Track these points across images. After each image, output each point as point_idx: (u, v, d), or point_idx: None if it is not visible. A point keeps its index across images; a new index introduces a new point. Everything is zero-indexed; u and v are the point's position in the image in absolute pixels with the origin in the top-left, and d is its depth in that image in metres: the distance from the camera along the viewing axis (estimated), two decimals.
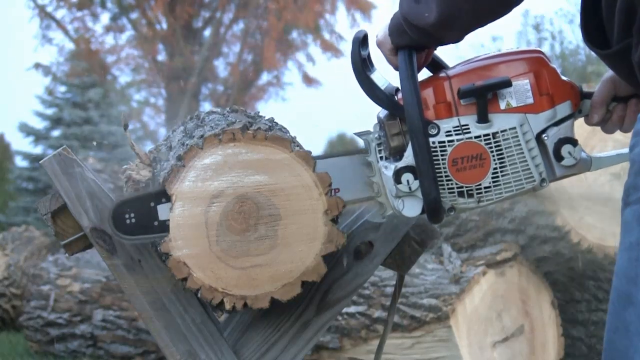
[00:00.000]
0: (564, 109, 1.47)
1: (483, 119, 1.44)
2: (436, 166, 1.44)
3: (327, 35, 16.02)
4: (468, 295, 3.28)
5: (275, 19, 15.13)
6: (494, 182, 1.46)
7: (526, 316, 3.43)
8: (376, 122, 1.55)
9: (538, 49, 1.52)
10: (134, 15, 16.06)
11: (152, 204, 1.49)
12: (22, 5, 16.05)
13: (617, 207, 1.29)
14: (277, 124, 1.69)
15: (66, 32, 15.98)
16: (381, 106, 1.51)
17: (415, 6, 1.41)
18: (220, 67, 16.50)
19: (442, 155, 1.44)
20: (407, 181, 1.45)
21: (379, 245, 1.73)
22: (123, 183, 1.78)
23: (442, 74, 1.48)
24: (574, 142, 1.47)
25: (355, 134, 1.57)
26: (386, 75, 1.54)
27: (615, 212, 1.30)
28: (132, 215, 1.49)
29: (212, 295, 1.48)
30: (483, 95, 1.43)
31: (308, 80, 16.17)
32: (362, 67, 1.48)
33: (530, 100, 1.45)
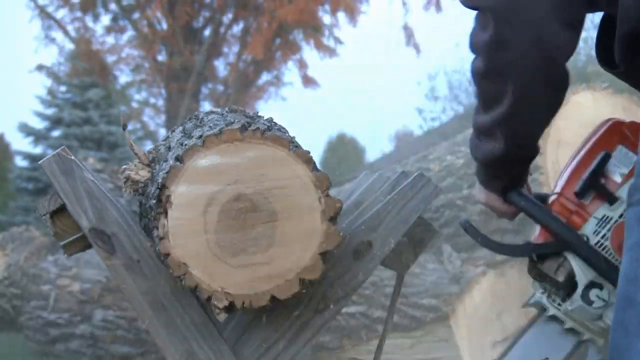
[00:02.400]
0: None
1: (612, 199, 1.43)
2: (609, 258, 1.43)
3: (324, 36, 16.00)
4: (468, 295, 3.28)
5: (269, 16, 15.12)
6: None
7: (526, 316, 3.43)
8: (532, 281, 1.57)
9: (609, 118, 1.51)
10: (135, 16, 16.06)
11: None
12: (22, 6, 16.07)
13: None
14: (276, 124, 1.69)
15: (66, 32, 15.99)
16: (531, 254, 1.51)
17: (485, 145, 1.41)
18: (220, 67, 16.51)
19: (605, 247, 1.43)
20: (597, 296, 1.44)
21: (378, 245, 1.72)
22: (122, 183, 1.78)
23: (552, 197, 1.49)
24: None
25: (523, 307, 1.63)
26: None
27: None
28: None
29: (211, 294, 1.48)
30: (596, 182, 1.43)
31: (307, 80, 16.16)
32: (489, 240, 1.49)
33: (634, 158, 1.45)
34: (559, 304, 1.53)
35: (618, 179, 1.44)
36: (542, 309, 1.56)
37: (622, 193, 1.43)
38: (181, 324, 1.63)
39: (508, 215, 1.51)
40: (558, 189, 1.48)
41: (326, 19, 16.05)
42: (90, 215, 1.63)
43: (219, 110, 1.81)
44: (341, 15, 15.93)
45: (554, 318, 1.54)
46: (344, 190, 2.68)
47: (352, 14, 15.92)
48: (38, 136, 13.77)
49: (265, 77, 16.61)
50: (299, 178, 1.50)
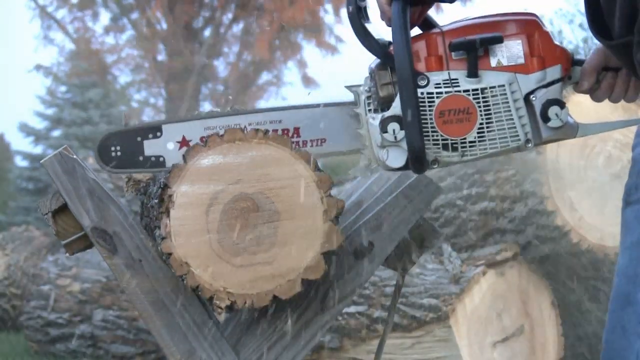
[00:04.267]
0: (554, 72, 1.48)
1: (473, 73, 1.45)
2: (422, 117, 1.44)
3: (325, 35, 16.00)
4: (468, 295, 3.28)
5: (270, 17, 15.13)
6: (479, 137, 1.47)
7: (526, 316, 3.43)
8: (367, 75, 1.55)
9: (533, 12, 1.54)
10: (134, 15, 16.06)
11: (139, 139, 1.52)
12: (22, 6, 16.07)
13: (618, 207, 1.30)
14: None
15: (66, 32, 15.99)
16: (373, 54, 1.51)
17: None
18: (220, 67, 16.51)
19: (429, 106, 1.45)
20: (393, 130, 1.46)
21: (379, 245, 1.73)
22: (123, 183, 1.79)
23: (436, 30, 1.50)
24: (561, 104, 1.47)
25: (346, 87, 1.58)
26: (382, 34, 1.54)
27: (616, 212, 1.30)
28: (119, 148, 1.53)
29: (213, 293, 1.48)
30: (474, 49, 1.44)
31: (307, 80, 16.15)
32: (357, 15, 1.49)
33: (521, 61, 1.47)
34: (369, 110, 1.53)
35: (493, 63, 1.46)
36: (355, 102, 1.56)
37: (485, 76, 1.45)
38: (182, 324, 1.64)
39: (385, 16, 1.51)
40: (445, 28, 1.49)
41: (328, 17, 16.06)
42: (92, 214, 1.63)
43: (220, 110, 1.81)
44: (343, 13, 15.93)
45: (357, 116, 1.55)
46: (344, 190, 2.69)
47: None
48: (38, 136, 13.76)
49: (265, 77, 16.61)
50: (301, 178, 1.51)
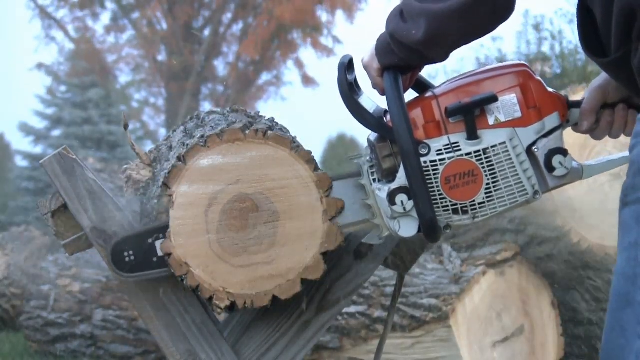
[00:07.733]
0: (552, 120, 1.48)
1: (472, 135, 1.45)
2: (429, 185, 1.44)
3: (322, 36, 15.99)
4: (468, 295, 3.28)
5: (267, 16, 15.14)
6: (487, 197, 1.46)
7: (526, 316, 3.43)
8: (367, 145, 1.56)
9: (523, 62, 1.53)
10: (135, 15, 16.07)
11: (150, 241, 1.50)
12: (22, 6, 16.08)
13: (617, 207, 1.30)
14: (277, 124, 1.70)
15: (66, 32, 16.00)
16: (371, 130, 1.51)
17: (403, 25, 1.42)
18: (220, 67, 16.51)
19: (434, 174, 1.45)
20: (402, 202, 1.46)
21: (379, 245, 1.73)
22: (123, 183, 1.79)
23: (429, 94, 1.49)
24: (564, 152, 1.48)
25: (347, 157, 1.58)
26: (374, 98, 1.55)
27: (616, 212, 1.30)
28: (132, 253, 1.51)
29: (212, 293, 1.48)
30: (470, 112, 1.44)
31: (306, 79, 16.16)
32: (349, 91, 1.49)
33: (518, 114, 1.47)
34: (374, 180, 1.54)
35: (491, 121, 1.46)
36: (359, 173, 1.56)
37: (485, 135, 1.45)
38: (182, 324, 1.64)
39: (378, 87, 1.52)
40: (438, 92, 1.49)
41: (324, 17, 16.05)
42: (91, 214, 1.63)
43: (220, 110, 1.82)
44: (339, 13, 15.94)
45: (362, 187, 1.55)
46: None
47: (350, 12, 15.90)
48: (38, 136, 13.78)
49: (265, 77, 16.62)
50: (301, 178, 1.51)
